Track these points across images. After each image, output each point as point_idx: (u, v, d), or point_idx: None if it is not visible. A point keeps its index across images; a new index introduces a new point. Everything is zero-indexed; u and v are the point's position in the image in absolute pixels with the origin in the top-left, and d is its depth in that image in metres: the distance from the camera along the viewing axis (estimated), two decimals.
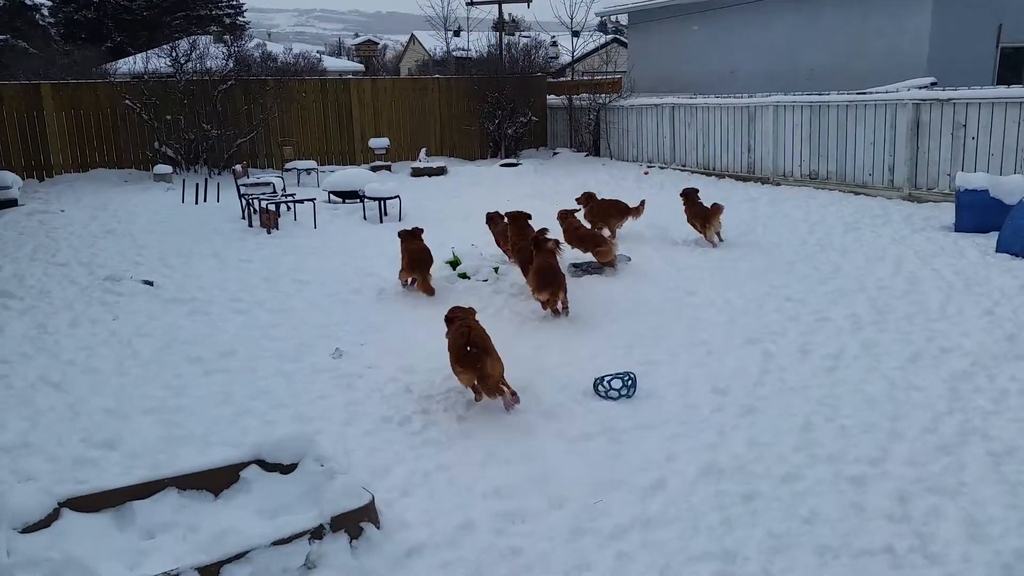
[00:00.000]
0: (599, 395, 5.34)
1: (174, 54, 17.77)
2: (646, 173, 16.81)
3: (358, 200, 12.75)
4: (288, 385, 5.71)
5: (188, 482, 3.89)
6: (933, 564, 3.46)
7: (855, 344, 6.17)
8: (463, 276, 8.63)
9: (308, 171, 16.77)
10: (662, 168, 17.30)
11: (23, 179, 15.34)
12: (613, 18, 28.73)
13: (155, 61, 18.16)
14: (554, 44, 26.51)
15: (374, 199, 12.21)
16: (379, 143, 18.98)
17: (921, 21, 14.60)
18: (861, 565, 3.48)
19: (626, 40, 26.74)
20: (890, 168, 12.52)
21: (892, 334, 6.37)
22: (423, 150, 19.20)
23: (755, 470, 4.30)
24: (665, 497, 4.05)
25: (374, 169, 17.06)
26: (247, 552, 3.24)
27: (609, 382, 5.33)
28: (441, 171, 17.91)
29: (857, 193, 12.89)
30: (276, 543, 3.30)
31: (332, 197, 13.39)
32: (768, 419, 4.92)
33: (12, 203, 13.66)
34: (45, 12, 39.78)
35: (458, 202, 13.74)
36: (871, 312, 6.92)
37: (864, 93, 13.03)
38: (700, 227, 9.75)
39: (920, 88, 12.50)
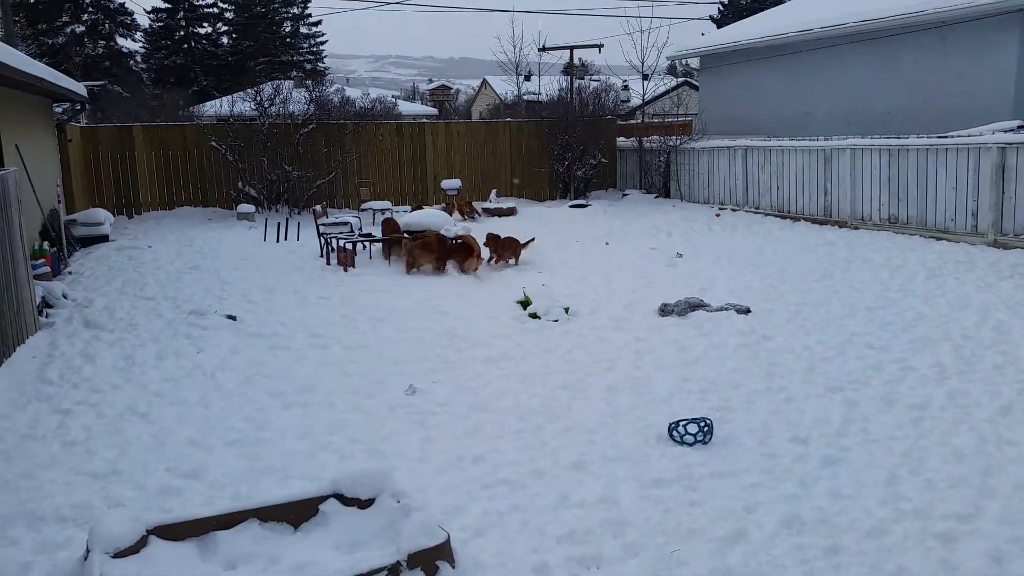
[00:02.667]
0: (674, 440, 5.27)
1: (258, 98, 18.53)
2: (718, 215, 16.67)
3: None
4: (364, 420, 5.81)
5: (269, 514, 3.97)
6: None
7: (941, 394, 5.95)
8: (533, 316, 8.68)
9: (383, 211, 17.16)
10: (734, 210, 17.13)
11: (114, 215, 16.13)
12: (684, 61, 28.81)
13: (240, 104, 18.97)
14: (626, 88, 26.68)
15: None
16: (451, 184, 19.33)
17: (1006, 62, 14.21)
18: None
19: (697, 83, 26.73)
20: (974, 213, 12.14)
21: (980, 385, 6.13)
22: (494, 191, 19.47)
23: (839, 523, 4.16)
24: (745, 548, 3.95)
25: (446, 210, 17.34)
26: None
27: (685, 427, 5.26)
28: (511, 211, 18.11)
29: (939, 239, 12.51)
30: None
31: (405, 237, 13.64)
32: (851, 470, 4.77)
33: (104, 239, 14.36)
34: (138, 58, 42.09)
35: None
36: (957, 361, 6.68)
37: (945, 137, 12.71)
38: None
39: (1006, 131, 12.12)
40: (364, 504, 4.06)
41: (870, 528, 4.10)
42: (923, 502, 4.35)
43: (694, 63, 26.39)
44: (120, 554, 3.65)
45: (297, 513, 4.02)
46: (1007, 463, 4.79)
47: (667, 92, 28.21)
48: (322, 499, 4.07)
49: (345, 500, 4.07)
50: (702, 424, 5.27)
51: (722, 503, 4.43)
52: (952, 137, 12.60)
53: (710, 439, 5.25)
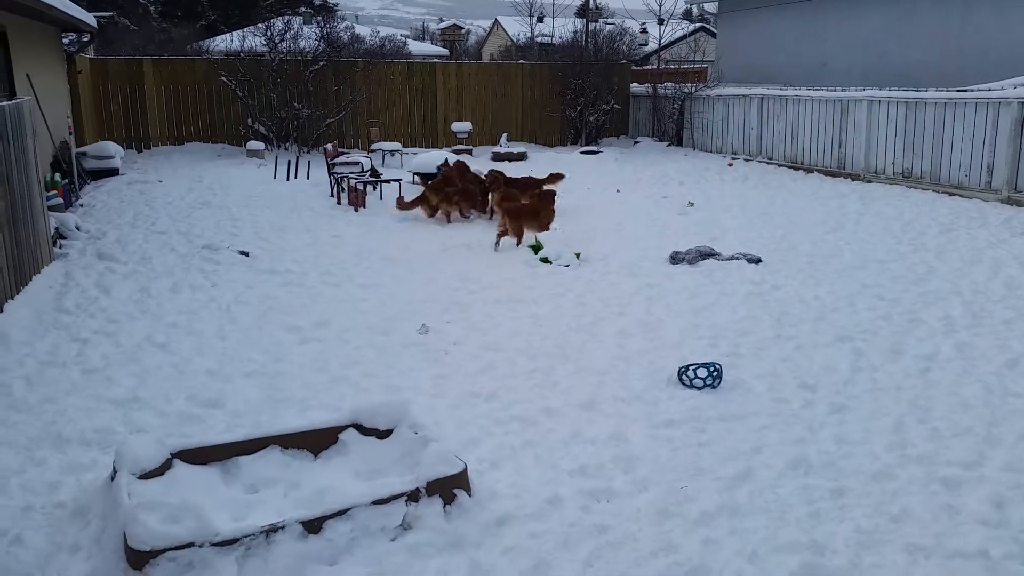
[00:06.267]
0: (683, 384, 5.35)
1: (269, 33, 18.28)
2: (730, 165, 16.57)
3: None
4: (379, 356, 5.90)
5: (290, 441, 4.08)
6: None
7: (949, 347, 6.01)
8: (545, 261, 8.71)
9: (392, 152, 17.08)
10: (747, 160, 17.02)
11: (123, 149, 16.07)
12: (701, 6, 28.25)
13: (250, 39, 18.72)
14: (644, 31, 26.17)
15: None
16: (461, 127, 19.19)
17: None
18: (954, 567, 3.42)
19: (714, 29, 26.23)
20: (989, 169, 12.05)
21: (988, 338, 6.18)
22: (504, 135, 19.32)
23: (844, 467, 4.26)
24: (752, 487, 4.05)
25: (456, 152, 17.26)
26: (349, 509, 3.40)
27: (695, 371, 5.33)
28: (521, 156, 18.00)
29: (952, 194, 12.45)
30: (376, 502, 3.44)
31: (416, 178, 13.63)
32: (858, 417, 4.86)
33: (114, 172, 14.36)
34: None
35: None
36: (966, 315, 6.72)
37: (964, 91, 12.54)
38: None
39: None
40: (383, 434, 4.16)
41: (875, 472, 4.19)
42: (928, 449, 4.44)
43: (711, 8, 25.89)
44: (146, 476, 3.76)
45: (317, 441, 4.12)
46: (1012, 414, 4.87)
47: (683, 37, 27.72)
48: (342, 428, 4.18)
49: (364, 430, 4.18)
50: (712, 368, 5.34)
51: (730, 444, 4.53)
52: (972, 91, 12.43)
53: (719, 383, 5.33)
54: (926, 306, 6.99)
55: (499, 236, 9.38)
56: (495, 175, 11.49)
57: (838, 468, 4.25)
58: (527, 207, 9.84)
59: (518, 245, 9.39)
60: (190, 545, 3.20)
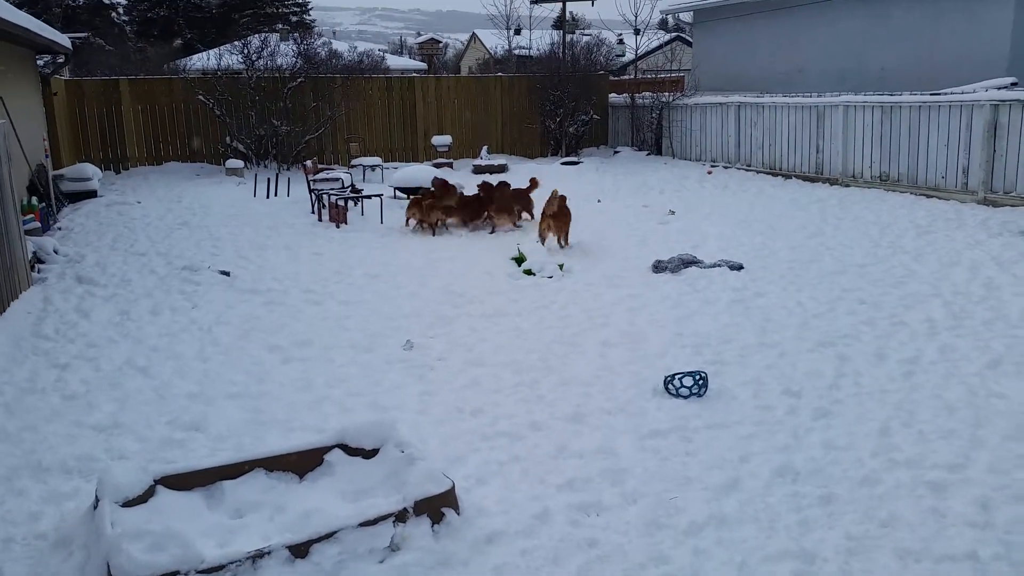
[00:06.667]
0: (669, 393, 5.35)
1: (246, 51, 18.23)
2: (709, 172, 16.66)
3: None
4: (363, 374, 5.86)
5: (275, 464, 4.03)
6: (1021, 573, 3.40)
7: (932, 349, 6.05)
8: (528, 273, 8.70)
9: (373, 167, 17.05)
10: (726, 168, 17.13)
11: (101, 170, 15.94)
12: (677, 15, 28.48)
13: (227, 58, 18.67)
14: (621, 42, 26.32)
15: None
16: (441, 140, 19.19)
17: (1002, 18, 14.15)
18: (943, 570, 3.43)
19: (690, 38, 26.42)
20: (964, 171, 12.19)
21: (970, 340, 6.23)
22: (484, 148, 19.33)
23: (832, 473, 4.27)
24: (740, 496, 4.05)
25: (436, 166, 17.24)
26: (336, 532, 3.36)
27: (680, 380, 5.33)
28: (502, 168, 18.01)
29: (929, 196, 12.58)
30: (363, 524, 3.41)
31: (398, 193, 13.61)
32: (844, 423, 4.87)
33: (92, 194, 14.23)
34: (120, 10, 41.15)
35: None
36: (947, 317, 6.78)
37: (938, 94, 12.71)
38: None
39: (999, 88, 12.13)
40: (369, 454, 4.12)
41: (862, 477, 4.20)
42: (914, 453, 4.46)
43: (687, 17, 26.10)
44: (129, 503, 3.71)
45: (302, 463, 4.08)
46: (995, 415, 4.90)
47: (660, 47, 27.89)
48: (327, 449, 4.14)
49: (350, 450, 4.14)
50: (697, 377, 5.35)
51: (718, 453, 4.53)
52: (945, 94, 12.59)
53: (705, 392, 5.33)
54: (907, 309, 7.04)
55: (545, 238, 9.83)
56: (489, 186, 11.83)
57: (825, 474, 4.26)
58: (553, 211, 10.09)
59: (547, 239, 9.89)
60: (175, 574, 3.15)
